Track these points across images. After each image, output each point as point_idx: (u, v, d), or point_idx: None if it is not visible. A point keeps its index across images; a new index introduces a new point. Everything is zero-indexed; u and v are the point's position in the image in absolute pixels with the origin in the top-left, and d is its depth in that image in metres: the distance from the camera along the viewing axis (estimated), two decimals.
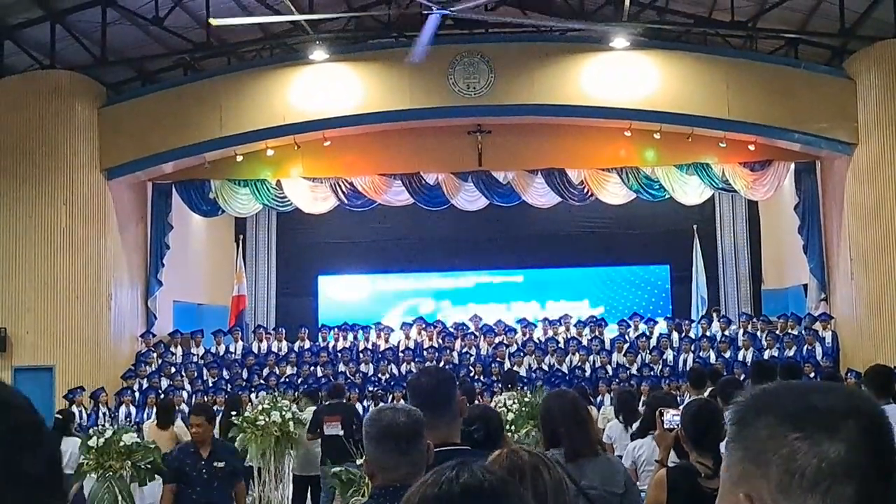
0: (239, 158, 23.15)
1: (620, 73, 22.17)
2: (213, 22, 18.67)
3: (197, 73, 23.96)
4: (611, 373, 21.81)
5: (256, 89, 22.47)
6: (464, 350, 23.39)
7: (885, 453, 1.62)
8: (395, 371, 22.46)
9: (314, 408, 15.25)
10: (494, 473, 1.80)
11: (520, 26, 22.98)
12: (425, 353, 23.13)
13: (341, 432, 13.29)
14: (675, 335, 23.39)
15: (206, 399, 20.93)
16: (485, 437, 5.18)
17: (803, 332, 22.37)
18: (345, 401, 15.55)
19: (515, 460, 3.36)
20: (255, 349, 23.96)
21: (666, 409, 6.70)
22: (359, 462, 8.98)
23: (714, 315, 24.45)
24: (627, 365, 22.15)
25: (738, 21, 22.04)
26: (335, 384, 16.69)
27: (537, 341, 23.51)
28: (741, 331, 23.23)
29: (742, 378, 15.28)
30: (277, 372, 22.61)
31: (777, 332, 22.57)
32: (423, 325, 24.64)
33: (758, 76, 22.07)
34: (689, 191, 23.97)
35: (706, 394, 10.33)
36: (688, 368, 17.95)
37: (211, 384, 22.00)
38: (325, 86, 22.39)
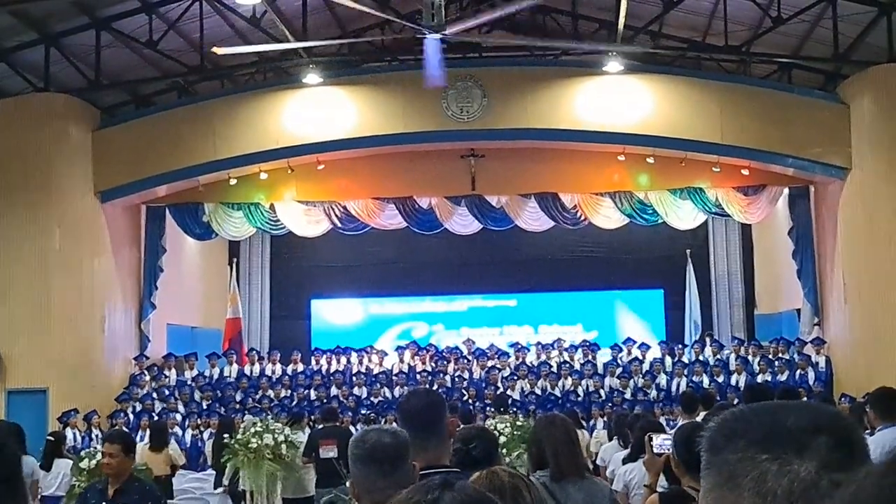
0: (232, 182, 23.14)
1: (614, 98, 22.19)
2: (218, 51, 18.67)
3: (191, 97, 23.98)
4: (604, 397, 21.81)
5: (250, 113, 22.50)
6: (457, 374, 23.39)
7: (858, 468, 1.61)
8: (388, 394, 22.43)
9: (302, 431, 15.21)
10: (478, 492, 1.79)
11: (514, 50, 23.03)
12: (418, 376, 23.14)
13: (336, 455, 13.26)
14: (668, 360, 23.36)
15: (199, 422, 20.96)
16: (483, 455, 5.17)
17: (796, 356, 22.37)
18: (338, 424, 15.52)
19: (495, 481, 3.36)
20: (248, 372, 23.91)
21: (655, 434, 6.69)
22: (347, 484, 8.95)
23: (707, 340, 24.43)
24: (621, 389, 22.12)
25: (732, 45, 22.08)
26: (328, 407, 16.64)
27: (530, 365, 23.47)
28: (733, 355, 23.21)
29: (735, 402, 15.26)
30: (271, 395, 22.58)
31: (769, 356, 22.57)
32: (417, 349, 24.61)
33: (751, 101, 22.11)
34: (683, 215, 23.97)
35: (699, 418, 10.32)
36: (680, 393, 17.95)
37: (205, 407, 21.97)
38: (319, 109, 22.41)
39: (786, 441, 1.59)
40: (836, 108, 21.92)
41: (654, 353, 23.99)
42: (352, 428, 18.10)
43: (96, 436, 19.75)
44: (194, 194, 23.55)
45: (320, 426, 15.50)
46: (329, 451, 13.46)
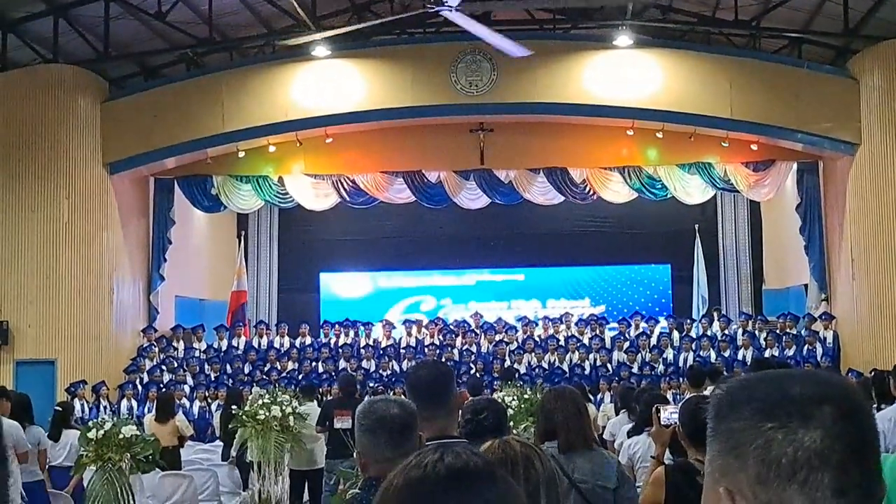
0: (241, 154, 23.15)
1: (623, 72, 22.14)
2: None
3: (199, 69, 23.93)
4: (611, 371, 21.85)
5: (259, 85, 22.47)
6: (465, 347, 23.42)
7: (863, 439, 1.60)
8: (396, 367, 22.49)
9: (311, 402, 15.24)
10: (480, 456, 1.78)
11: (523, 23, 22.97)
12: (426, 350, 23.15)
13: (350, 426, 13.25)
14: (675, 334, 23.38)
15: (207, 393, 21.04)
16: (493, 426, 5.19)
17: (803, 331, 22.38)
18: (355, 395, 15.49)
19: (508, 451, 3.37)
20: (255, 344, 23.97)
21: (663, 406, 6.71)
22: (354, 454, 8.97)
23: (714, 314, 24.43)
24: (628, 363, 22.16)
25: (742, 20, 22.02)
26: (347, 376, 16.61)
27: (537, 339, 23.50)
28: (740, 330, 23.22)
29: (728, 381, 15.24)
30: (279, 367, 22.64)
31: (777, 331, 22.58)
32: (425, 323, 24.65)
33: (761, 76, 22.04)
34: (691, 190, 23.94)
35: (706, 392, 10.33)
36: (688, 367, 17.97)
37: (213, 379, 22.06)
38: (328, 82, 22.38)
39: (791, 410, 1.59)
40: (846, 83, 21.86)
41: (662, 327, 24.01)
42: None
43: (104, 407, 19.86)
44: (203, 167, 23.57)
45: (338, 395, 15.55)
46: (343, 422, 13.47)
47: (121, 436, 10.87)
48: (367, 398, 5.11)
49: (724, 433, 1.64)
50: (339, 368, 22.33)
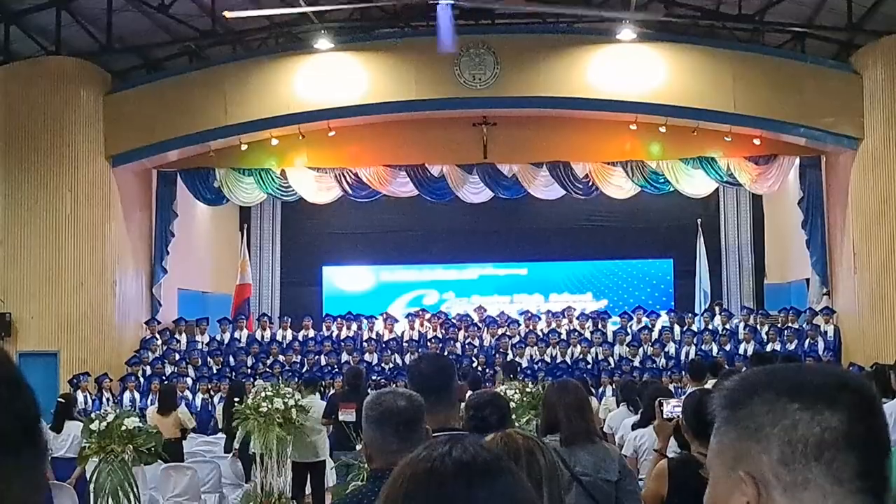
0: (243, 147, 23.15)
1: (627, 66, 22.12)
2: (228, 15, 18.59)
3: (202, 62, 23.94)
4: (613, 365, 21.87)
5: (261, 78, 22.46)
6: (467, 341, 23.43)
7: (881, 426, 1.62)
8: (398, 361, 22.50)
9: (313, 395, 15.25)
10: (488, 449, 1.78)
11: (526, 17, 22.95)
12: (429, 343, 23.18)
13: (355, 419, 13.25)
14: (677, 328, 23.40)
15: (210, 386, 21.06)
16: (497, 422, 5.20)
17: (805, 326, 22.39)
18: (361, 389, 15.45)
19: (510, 443, 3.38)
20: (258, 337, 23.99)
21: (666, 400, 6.72)
22: (358, 447, 9.00)
23: (716, 309, 24.42)
24: (630, 357, 22.17)
25: (746, 14, 22.01)
26: (355, 369, 16.62)
27: (539, 333, 23.50)
28: (742, 324, 23.23)
29: (743, 370, 15.28)
30: (282, 360, 22.66)
31: (778, 325, 22.59)
32: (427, 317, 24.66)
33: (764, 70, 22.03)
34: (694, 184, 23.94)
35: (707, 386, 10.35)
36: (689, 361, 18.00)
37: (215, 371, 22.07)
38: (331, 75, 22.36)
39: (816, 393, 1.60)
40: (849, 77, 21.84)
41: (664, 321, 24.02)
42: None
43: (107, 399, 19.88)
44: (205, 159, 23.56)
45: (343, 387, 15.59)
46: (347, 415, 13.48)
47: (123, 428, 10.91)
48: (372, 391, 5.12)
49: (743, 418, 1.64)
50: (342, 361, 22.35)
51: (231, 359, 22.95)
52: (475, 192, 24.51)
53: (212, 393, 20.89)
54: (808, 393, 1.61)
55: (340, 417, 13.61)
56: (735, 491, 1.63)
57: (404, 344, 23.47)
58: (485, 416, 5.20)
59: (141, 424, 11.36)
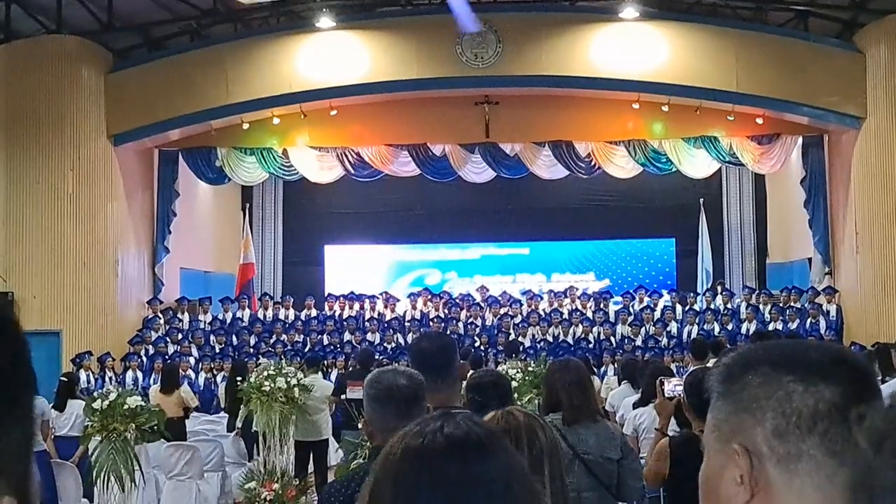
0: (245, 126, 23.13)
1: (629, 45, 22.06)
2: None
3: (203, 40, 23.87)
4: (615, 344, 21.89)
5: (263, 57, 22.42)
6: (469, 320, 23.44)
7: (874, 400, 1.61)
8: (400, 340, 22.51)
9: (315, 375, 15.28)
10: (481, 425, 1.77)
11: None
12: (431, 323, 23.18)
13: (361, 397, 13.25)
14: (678, 308, 23.38)
15: (212, 365, 21.10)
16: (498, 404, 5.19)
17: (807, 305, 22.40)
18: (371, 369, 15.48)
19: (511, 421, 3.38)
20: (261, 317, 24.01)
21: (667, 378, 6.73)
22: (360, 425, 9.02)
23: (718, 288, 24.41)
24: (632, 336, 22.17)
25: None
26: (366, 350, 16.70)
27: (542, 313, 23.51)
28: (744, 304, 23.23)
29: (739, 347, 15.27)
30: (285, 339, 22.68)
31: (781, 305, 22.59)
32: (429, 296, 24.66)
33: (767, 49, 21.97)
34: (697, 164, 23.92)
35: (709, 364, 10.36)
36: (691, 340, 18.01)
37: (218, 350, 22.10)
38: (332, 54, 22.30)
39: (811, 366, 1.60)
40: (852, 56, 21.80)
41: (666, 301, 24.02)
42: None
43: (110, 378, 19.91)
44: (207, 139, 23.54)
45: (355, 366, 15.67)
46: (356, 392, 13.50)
47: (126, 406, 10.93)
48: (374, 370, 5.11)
49: (738, 391, 1.65)
50: (344, 341, 22.40)
51: (234, 338, 22.99)
52: (477, 171, 24.49)
53: (214, 372, 20.93)
54: (803, 366, 1.61)
55: (348, 395, 13.66)
56: (729, 464, 1.64)
57: (406, 324, 23.48)
58: (486, 398, 5.20)
59: (143, 403, 11.38)
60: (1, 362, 1.30)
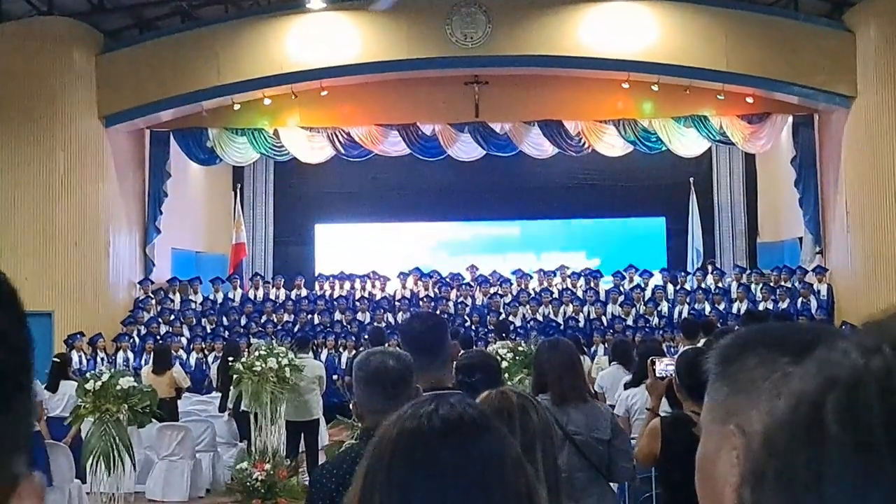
0: (236, 107, 23.12)
1: (619, 24, 22.04)
2: None
3: (194, 21, 23.81)
4: (606, 324, 21.92)
5: (254, 38, 22.38)
6: (459, 300, 23.47)
7: None
8: (391, 320, 22.52)
9: (306, 355, 15.30)
10: (474, 407, 1.79)
11: None
12: (421, 302, 23.20)
13: None
14: (670, 287, 23.42)
15: (204, 345, 21.11)
16: (487, 384, 5.22)
17: (798, 284, 22.45)
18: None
19: (504, 401, 3.41)
20: (252, 297, 24.03)
21: (658, 359, 6.76)
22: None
23: (709, 267, 24.47)
24: (623, 316, 22.22)
25: None
26: (377, 329, 16.71)
27: (532, 292, 23.53)
28: (735, 283, 23.28)
29: (736, 329, 15.31)
30: (275, 319, 22.70)
31: (771, 284, 22.65)
32: (419, 276, 24.65)
33: (757, 28, 21.96)
34: (687, 143, 23.94)
35: (700, 344, 10.40)
36: (682, 319, 18.05)
37: (209, 331, 22.12)
38: (323, 35, 22.27)
39: (806, 347, 1.63)
40: (842, 35, 21.81)
41: (657, 280, 24.04)
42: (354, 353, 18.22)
43: (101, 359, 19.92)
44: (198, 119, 23.54)
45: (368, 346, 15.70)
46: None
47: (118, 387, 10.95)
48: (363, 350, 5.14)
49: (734, 373, 1.66)
50: (335, 321, 22.43)
51: (224, 318, 23.01)
52: (467, 150, 24.50)
53: (206, 352, 20.96)
54: (797, 347, 1.63)
55: None
56: (725, 444, 1.66)
57: (396, 303, 23.51)
58: (473, 384, 5.21)
59: (136, 384, 11.40)
60: (18, 335, 1.31)
